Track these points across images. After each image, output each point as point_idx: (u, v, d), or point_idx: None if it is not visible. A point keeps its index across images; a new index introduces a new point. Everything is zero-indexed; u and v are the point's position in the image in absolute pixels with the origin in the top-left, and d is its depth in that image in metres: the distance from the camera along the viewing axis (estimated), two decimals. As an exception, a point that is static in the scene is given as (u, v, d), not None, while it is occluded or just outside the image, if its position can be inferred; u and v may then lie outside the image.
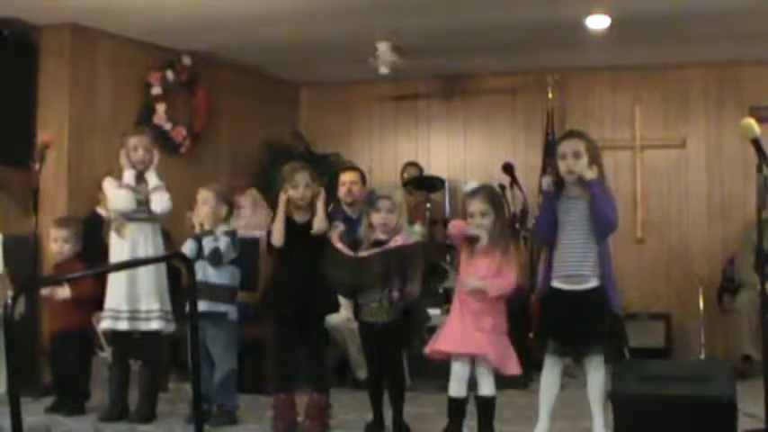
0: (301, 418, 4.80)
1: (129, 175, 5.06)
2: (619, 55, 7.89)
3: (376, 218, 4.65)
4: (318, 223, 4.82)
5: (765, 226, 4.51)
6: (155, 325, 5.02)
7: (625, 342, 4.47)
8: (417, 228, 4.84)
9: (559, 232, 4.27)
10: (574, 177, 4.25)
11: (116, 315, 5.00)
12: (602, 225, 4.24)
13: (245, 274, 5.37)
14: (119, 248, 5.06)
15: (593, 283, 4.23)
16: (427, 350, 4.44)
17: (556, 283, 4.28)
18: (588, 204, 4.23)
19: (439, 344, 4.38)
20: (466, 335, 4.33)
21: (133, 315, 4.99)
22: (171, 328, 5.15)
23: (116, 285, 5.01)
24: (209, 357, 5.01)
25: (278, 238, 4.84)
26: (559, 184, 4.30)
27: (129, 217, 5.05)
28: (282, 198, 4.85)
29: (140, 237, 5.05)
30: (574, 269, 4.23)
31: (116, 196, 5.06)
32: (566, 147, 4.28)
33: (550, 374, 4.32)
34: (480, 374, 4.35)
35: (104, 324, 5.06)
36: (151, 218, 5.09)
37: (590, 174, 4.22)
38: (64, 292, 5.23)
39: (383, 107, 8.97)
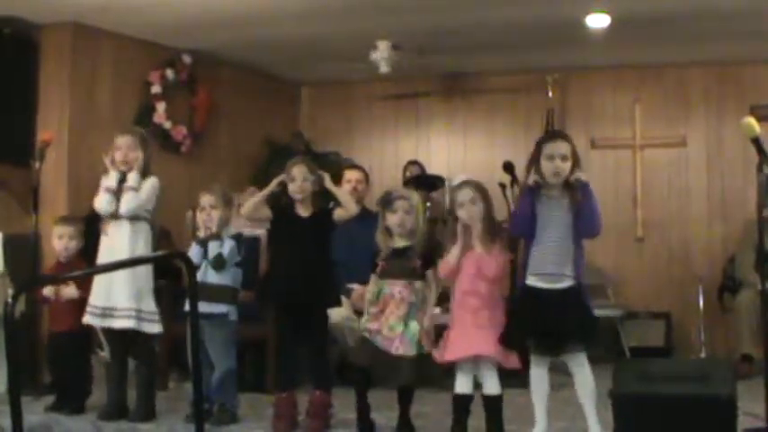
0: (302, 417, 4.81)
1: (111, 177, 5.08)
2: (619, 54, 7.89)
3: (393, 219, 4.60)
4: (348, 203, 4.81)
5: (766, 225, 4.51)
6: (122, 323, 5.00)
7: (594, 341, 4.44)
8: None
9: (539, 231, 4.25)
10: (559, 179, 4.25)
11: (92, 311, 5.02)
12: (594, 228, 4.25)
13: (245, 273, 5.36)
14: (102, 246, 5.11)
15: (568, 282, 4.22)
16: (438, 358, 4.42)
17: (532, 281, 4.26)
18: (570, 206, 4.23)
19: (447, 354, 4.37)
20: (468, 337, 4.33)
21: (106, 312, 5.00)
22: (154, 328, 5.10)
23: (96, 282, 5.05)
24: (209, 357, 5.00)
25: (247, 207, 4.84)
26: (538, 183, 4.31)
27: (110, 215, 5.07)
28: (276, 179, 4.84)
29: (116, 235, 5.05)
30: (554, 268, 4.21)
31: (97, 198, 5.11)
32: (554, 148, 4.26)
33: (538, 372, 4.30)
34: (484, 374, 4.35)
35: (84, 318, 5.07)
36: (131, 217, 5.05)
37: (585, 176, 4.25)
38: (71, 291, 5.23)
39: (383, 106, 8.98)
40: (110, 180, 5.08)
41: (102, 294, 5.01)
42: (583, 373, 4.23)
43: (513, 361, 4.33)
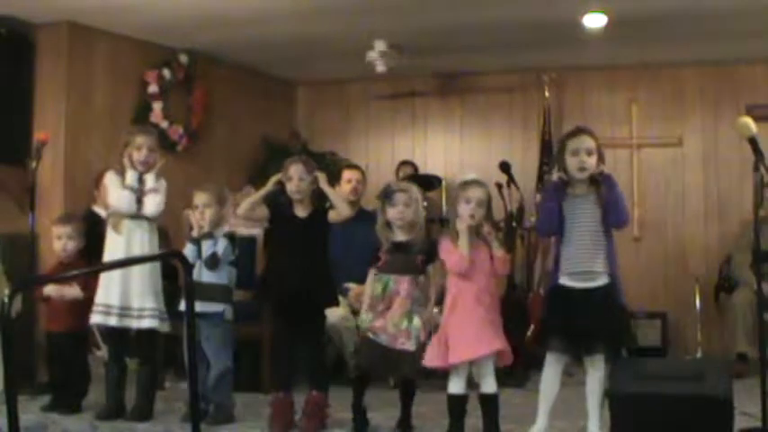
0: (298, 417, 4.80)
1: (131, 177, 5.04)
2: (615, 53, 7.89)
3: (392, 212, 4.60)
4: (340, 206, 4.80)
5: (762, 225, 4.52)
6: (147, 323, 5.00)
7: (633, 339, 4.46)
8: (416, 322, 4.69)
9: (568, 229, 4.27)
10: (585, 174, 4.25)
11: (107, 310, 4.98)
12: (623, 218, 4.28)
13: (242, 272, 5.36)
14: (114, 245, 5.05)
15: (602, 279, 4.24)
16: (431, 363, 4.35)
17: (564, 281, 4.27)
18: (598, 200, 4.24)
19: (452, 357, 4.29)
20: (483, 334, 4.29)
21: (124, 312, 4.97)
22: (165, 327, 5.12)
23: (108, 281, 5.00)
24: (205, 356, 5.00)
25: (243, 207, 4.83)
26: (563, 182, 4.31)
27: (131, 214, 5.04)
28: (273, 179, 4.84)
29: (136, 234, 5.03)
30: (586, 266, 4.23)
31: (118, 197, 5.04)
32: (578, 143, 4.28)
33: (552, 373, 4.32)
34: (481, 373, 4.34)
35: (94, 319, 5.02)
36: (147, 216, 5.07)
37: (606, 169, 4.27)
38: (74, 291, 5.21)
39: (380, 105, 8.97)
40: (129, 179, 5.04)
41: (118, 294, 4.97)
42: (597, 374, 4.27)
43: (506, 358, 4.36)
